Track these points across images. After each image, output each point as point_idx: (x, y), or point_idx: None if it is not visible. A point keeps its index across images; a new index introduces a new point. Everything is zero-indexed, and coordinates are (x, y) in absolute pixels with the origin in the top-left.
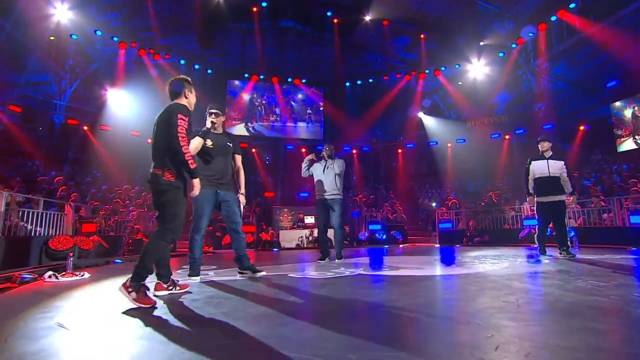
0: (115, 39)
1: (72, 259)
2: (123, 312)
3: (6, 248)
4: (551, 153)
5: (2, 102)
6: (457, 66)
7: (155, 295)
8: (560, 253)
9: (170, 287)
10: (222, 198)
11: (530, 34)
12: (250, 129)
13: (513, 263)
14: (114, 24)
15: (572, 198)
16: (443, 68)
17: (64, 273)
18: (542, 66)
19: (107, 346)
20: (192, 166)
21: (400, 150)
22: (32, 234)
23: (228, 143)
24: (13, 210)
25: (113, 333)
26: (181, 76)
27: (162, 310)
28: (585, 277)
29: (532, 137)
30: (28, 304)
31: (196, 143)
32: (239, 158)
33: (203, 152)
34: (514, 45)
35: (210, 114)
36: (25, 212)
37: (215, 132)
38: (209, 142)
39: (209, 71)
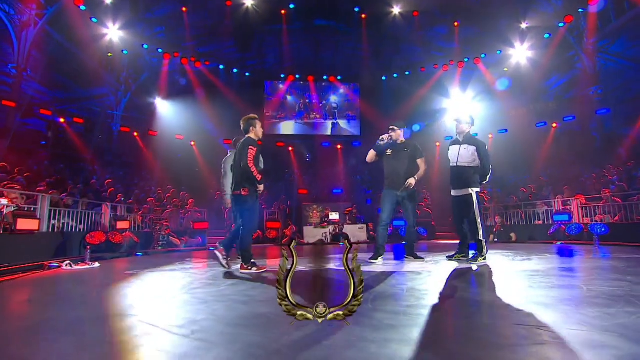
0: (160, 50)
1: (89, 251)
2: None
3: (51, 241)
4: (466, 136)
5: (68, 115)
6: (498, 52)
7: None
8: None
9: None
10: (400, 196)
11: (580, 10)
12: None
13: (492, 261)
14: (159, 36)
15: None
16: (483, 55)
17: (79, 262)
18: (596, 44)
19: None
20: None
21: (438, 144)
22: (74, 230)
23: (405, 149)
24: (60, 210)
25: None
26: (249, 115)
27: None
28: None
29: (584, 124)
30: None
31: (371, 155)
32: (420, 161)
33: (386, 158)
34: (561, 25)
35: (389, 130)
36: (70, 212)
37: (396, 142)
38: (388, 151)
39: (247, 74)
